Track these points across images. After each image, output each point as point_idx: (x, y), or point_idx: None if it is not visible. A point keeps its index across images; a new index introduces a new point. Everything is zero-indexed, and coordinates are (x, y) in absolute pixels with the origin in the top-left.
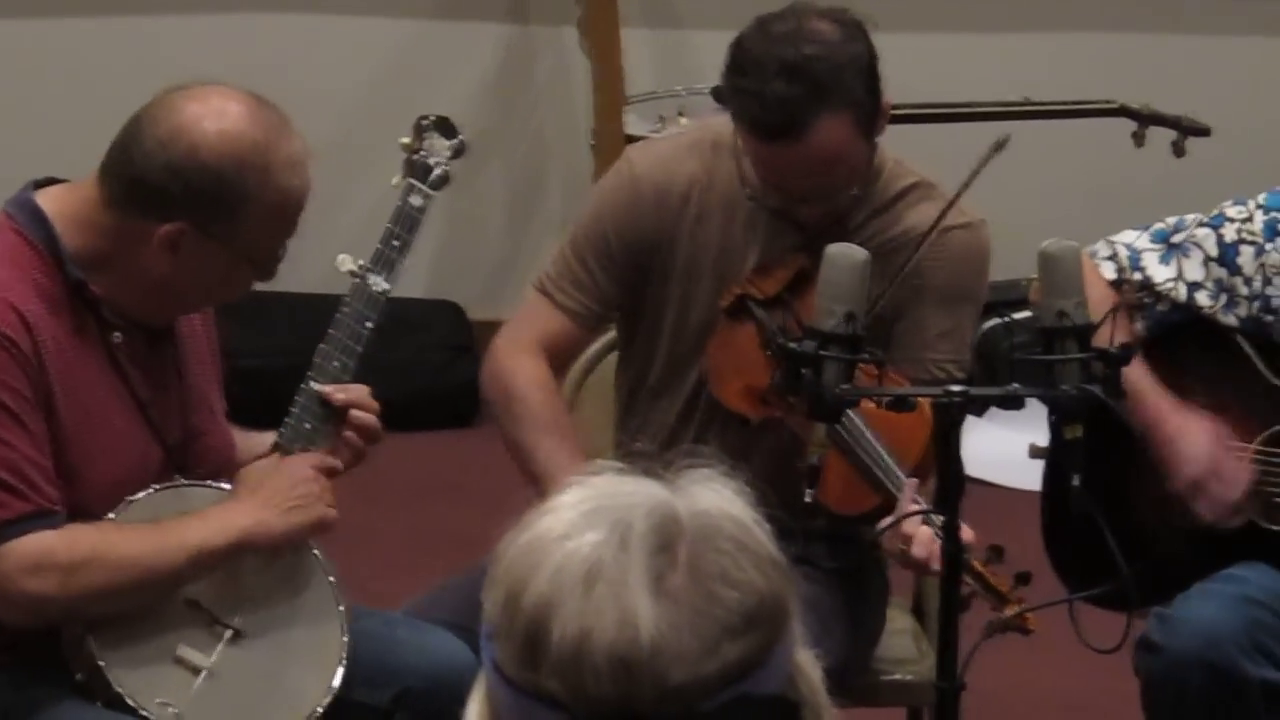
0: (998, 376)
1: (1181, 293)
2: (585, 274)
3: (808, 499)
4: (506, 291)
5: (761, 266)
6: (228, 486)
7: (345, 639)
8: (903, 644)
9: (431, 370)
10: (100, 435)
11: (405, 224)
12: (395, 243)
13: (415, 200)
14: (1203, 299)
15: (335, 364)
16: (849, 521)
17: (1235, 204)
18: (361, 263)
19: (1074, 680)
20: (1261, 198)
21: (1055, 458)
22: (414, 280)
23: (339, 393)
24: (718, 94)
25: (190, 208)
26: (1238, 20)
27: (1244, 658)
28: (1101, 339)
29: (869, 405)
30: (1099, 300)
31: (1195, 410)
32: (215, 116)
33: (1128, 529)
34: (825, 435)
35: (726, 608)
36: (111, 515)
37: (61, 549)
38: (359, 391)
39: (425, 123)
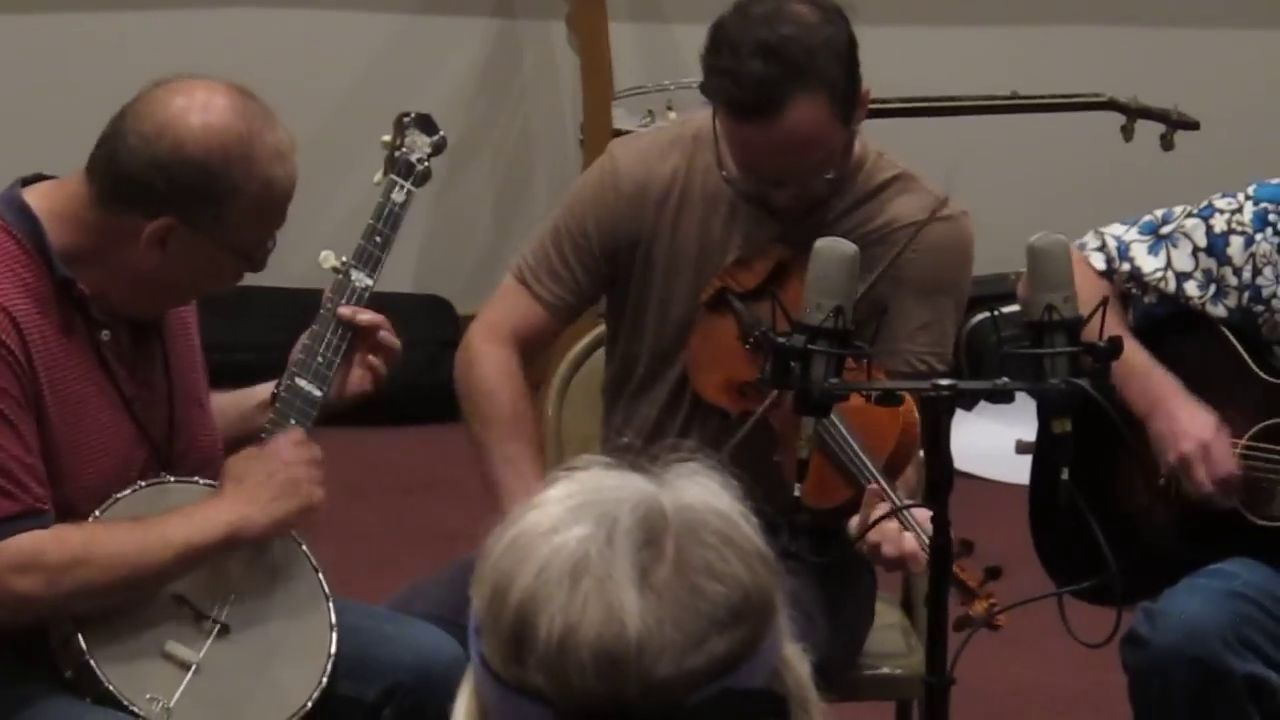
0: (986, 370)
1: (1170, 283)
2: (563, 266)
3: (796, 493)
4: (493, 286)
5: (741, 259)
6: (216, 484)
7: (333, 634)
8: (891, 638)
9: (418, 365)
10: (88, 433)
11: (387, 220)
12: (377, 239)
13: (397, 197)
14: (1191, 289)
15: (318, 360)
16: (822, 514)
17: (1224, 196)
18: (344, 259)
19: (1062, 674)
20: (1251, 189)
21: (1043, 452)
22: (401, 274)
23: (361, 314)
24: (705, 89)
25: (177, 202)
26: (1226, 14)
27: (1230, 652)
28: (1093, 330)
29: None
30: (1091, 291)
31: (1193, 400)
32: (200, 110)
33: (1115, 523)
34: (813, 430)
35: (712, 602)
36: (98, 513)
37: (50, 548)
38: (377, 316)
39: (406, 120)
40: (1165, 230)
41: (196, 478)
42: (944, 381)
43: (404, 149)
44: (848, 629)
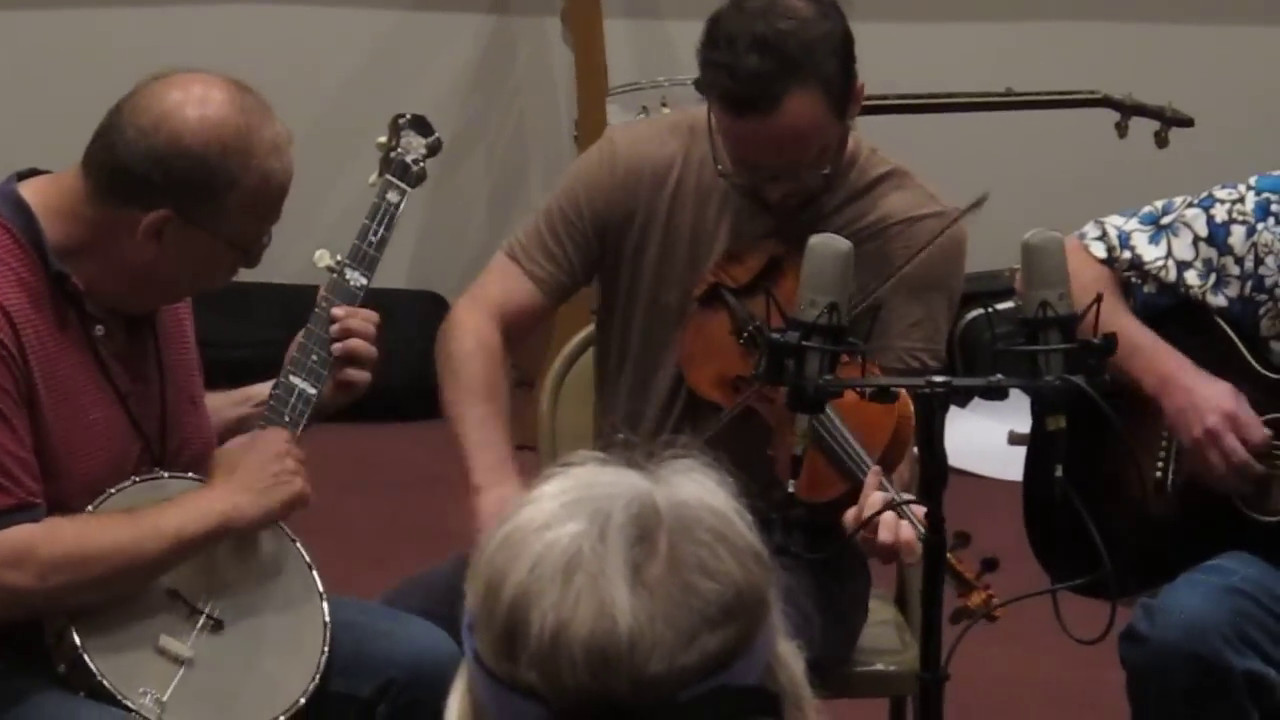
0: (980, 367)
1: (1171, 272)
2: (556, 245)
3: (790, 489)
4: None
5: (733, 254)
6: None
7: (327, 630)
8: (885, 635)
9: (413, 361)
10: (82, 428)
11: (382, 221)
12: (372, 239)
13: (392, 197)
14: (1192, 278)
15: (313, 358)
16: (816, 509)
17: (1224, 187)
18: (339, 258)
19: (1058, 671)
20: (1252, 180)
21: (1037, 448)
22: (395, 270)
23: (352, 317)
24: (700, 85)
25: (174, 195)
26: (1220, 10)
27: (1228, 648)
28: (1088, 323)
29: None
30: (1092, 281)
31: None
32: (197, 103)
33: (1110, 518)
34: (808, 426)
35: (704, 599)
36: (91, 507)
37: (42, 542)
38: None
39: (402, 121)
40: (1166, 220)
41: (190, 473)
42: (938, 378)
43: (399, 150)
44: (842, 625)
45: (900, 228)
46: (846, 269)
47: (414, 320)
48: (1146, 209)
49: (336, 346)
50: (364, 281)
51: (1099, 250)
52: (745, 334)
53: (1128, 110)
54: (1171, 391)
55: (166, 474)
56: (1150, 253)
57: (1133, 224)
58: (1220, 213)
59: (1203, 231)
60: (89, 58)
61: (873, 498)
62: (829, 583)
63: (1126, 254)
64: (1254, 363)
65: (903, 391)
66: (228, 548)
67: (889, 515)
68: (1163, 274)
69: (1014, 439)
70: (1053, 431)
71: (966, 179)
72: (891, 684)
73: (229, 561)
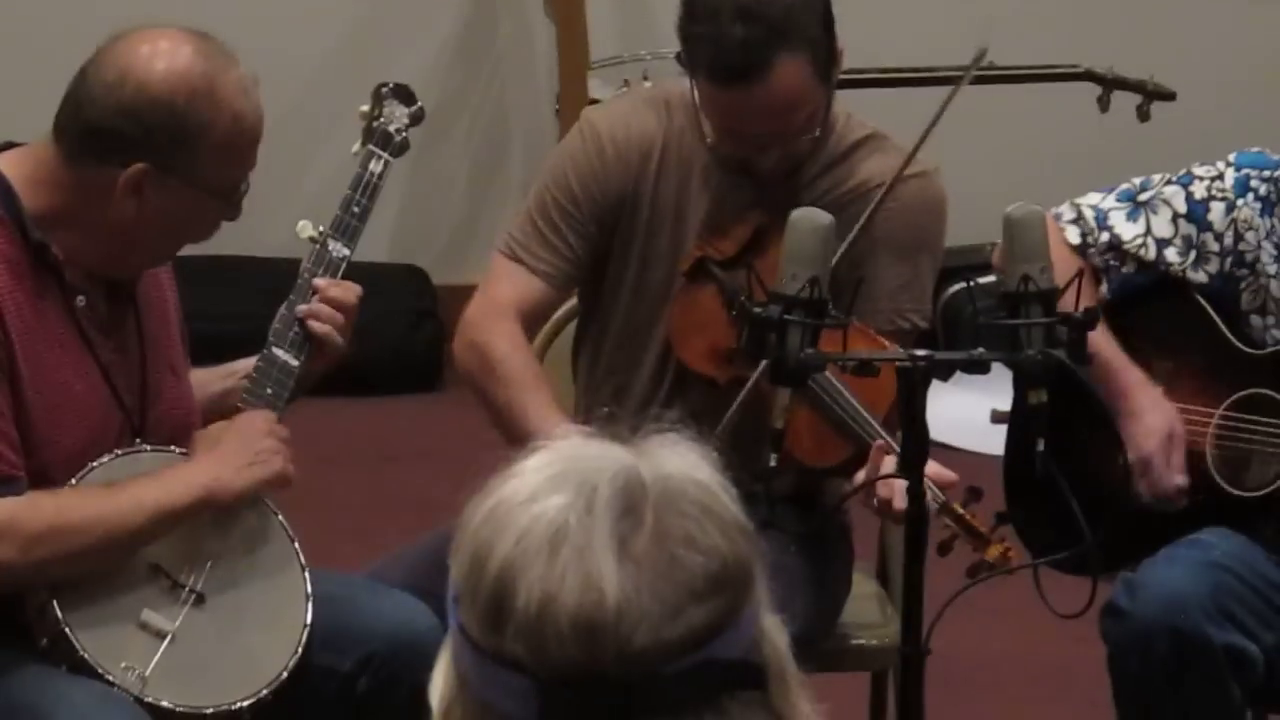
0: (962, 341)
1: (1150, 250)
2: (554, 234)
3: (773, 463)
4: (470, 255)
5: (718, 226)
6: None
7: (309, 603)
8: (868, 609)
9: (395, 334)
10: (63, 400)
11: (365, 191)
12: (355, 209)
13: (375, 167)
14: (1171, 255)
15: (294, 330)
16: (822, 473)
17: (1203, 164)
18: (321, 229)
19: (1038, 645)
20: (1231, 156)
21: (1018, 422)
22: (377, 244)
23: (335, 287)
24: (682, 59)
25: (147, 146)
26: None
27: (1209, 623)
28: (1066, 303)
29: None
30: (1062, 269)
31: (1159, 393)
32: (163, 55)
33: (1090, 493)
34: (790, 400)
35: (690, 572)
36: (73, 481)
37: (23, 515)
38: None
39: (384, 90)
40: (1144, 197)
41: (173, 446)
42: (920, 352)
43: (382, 119)
44: (825, 600)
45: (881, 190)
46: (827, 243)
47: (395, 293)
48: (1124, 186)
49: (301, 308)
50: (346, 252)
51: (1073, 236)
52: (735, 306)
53: (1110, 84)
54: (1120, 411)
55: (149, 447)
56: (1129, 231)
57: (1110, 201)
58: (1199, 189)
59: (1182, 209)
60: (66, 30)
61: (887, 460)
62: (812, 556)
63: (1104, 234)
64: (1232, 339)
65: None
66: (210, 521)
67: (900, 481)
68: (1142, 252)
69: (996, 417)
70: (1034, 405)
71: (948, 153)
72: (873, 658)
73: (211, 535)
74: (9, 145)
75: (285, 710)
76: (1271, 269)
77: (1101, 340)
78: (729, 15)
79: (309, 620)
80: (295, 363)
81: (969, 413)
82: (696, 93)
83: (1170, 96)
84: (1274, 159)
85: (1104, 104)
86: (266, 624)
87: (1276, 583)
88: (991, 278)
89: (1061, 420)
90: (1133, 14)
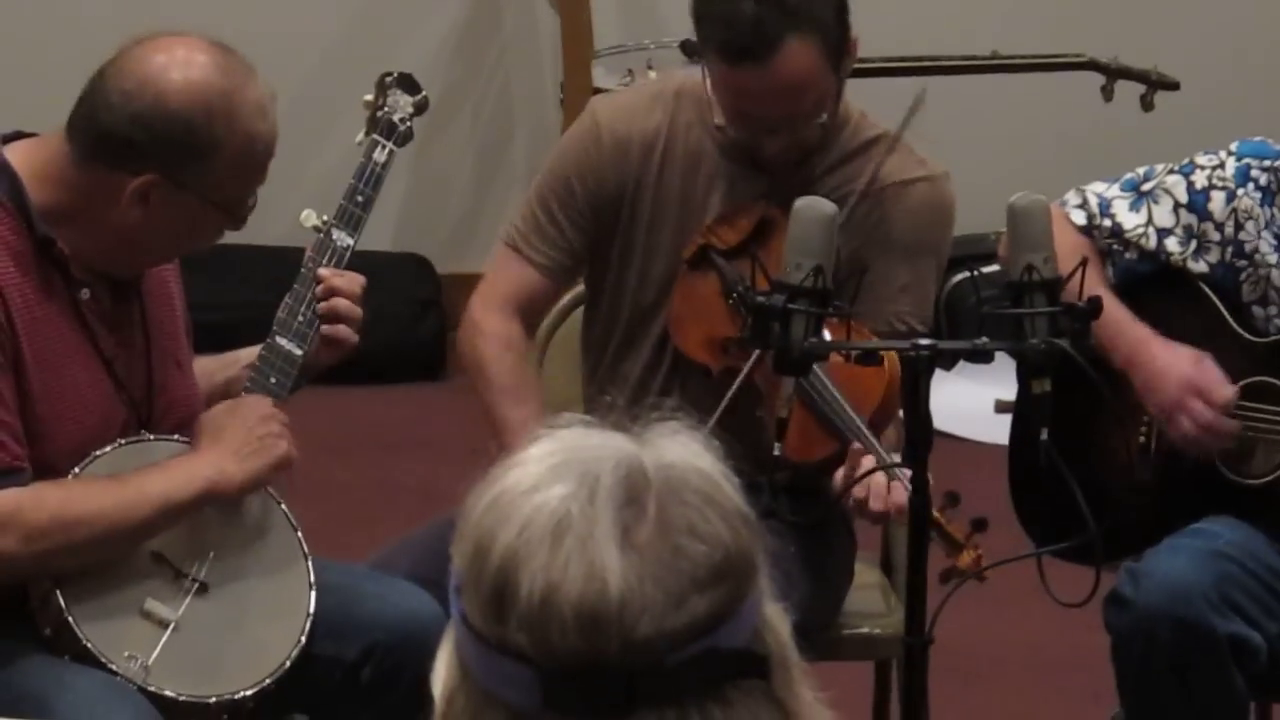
0: (966, 330)
1: (1151, 239)
2: (552, 227)
3: (776, 452)
4: (474, 244)
5: (723, 215)
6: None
7: (312, 592)
8: (870, 598)
9: (398, 323)
10: (67, 392)
11: (369, 180)
12: (359, 199)
13: (379, 156)
14: (1172, 245)
15: (299, 319)
16: (806, 469)
17: (1205, 154)
18: (326, 218)
19: (1042, 635)
20: (1233, 145)
21: (1023, 412)
22: (381, 233)
23: (337, 277)
24: (686, 47)
25: (160, 158)
26: None
27: (1213, 612)
28: (1072, 289)
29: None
30: (1070, 248)
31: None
32: (181, 66)
33: (1094, 483)
34: (793, 389)
35: (693, 561)
36: (76, 470)
37: (27, 507)
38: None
39: (389, 79)
40: (1146, 187)
41: (176, 435)
42: (924, 341)
43: (386, 109)
44: (828, 589)
45: (891, 190)
46: (832, 232)
47: (398, 283)
48: (1128, 175)
49: (321, 305)
50: (350, 242)
51: (1079, 218)
52: (734, 296)
53: (1113, 73)
54: (1138, 364)
55: (152, 436)
56: (1130, 220)
57: (1113, 191)
58: (1200, 179)
59: (1183, 198)
60: (72, 20)
61: (865, 460)
62: (815, 546)
63: (1107, 222)
64: (1237, 327)
65: (892, 353)
66: (213, 511)
67: (879, 481)
68: (1143, 241)
69: (1000, 407)
70: (1038, 395)
71: (953, 143)
72: (876, 647)
73: (214, 525)
74: (20, 135)
75: (288, 699)
76: (1272, 259)
77: (1109, 305)
78: None
79: (312, 610)
80: (299, 352)
81: (970, 402)
82: (707, 76)
83: (1174, 86)
84: (1275, 148)
85: (1108, 94)
86: (270, 613)
87: None
88: (995, 267)
89: (1066, 409)
90: (1136, 4)
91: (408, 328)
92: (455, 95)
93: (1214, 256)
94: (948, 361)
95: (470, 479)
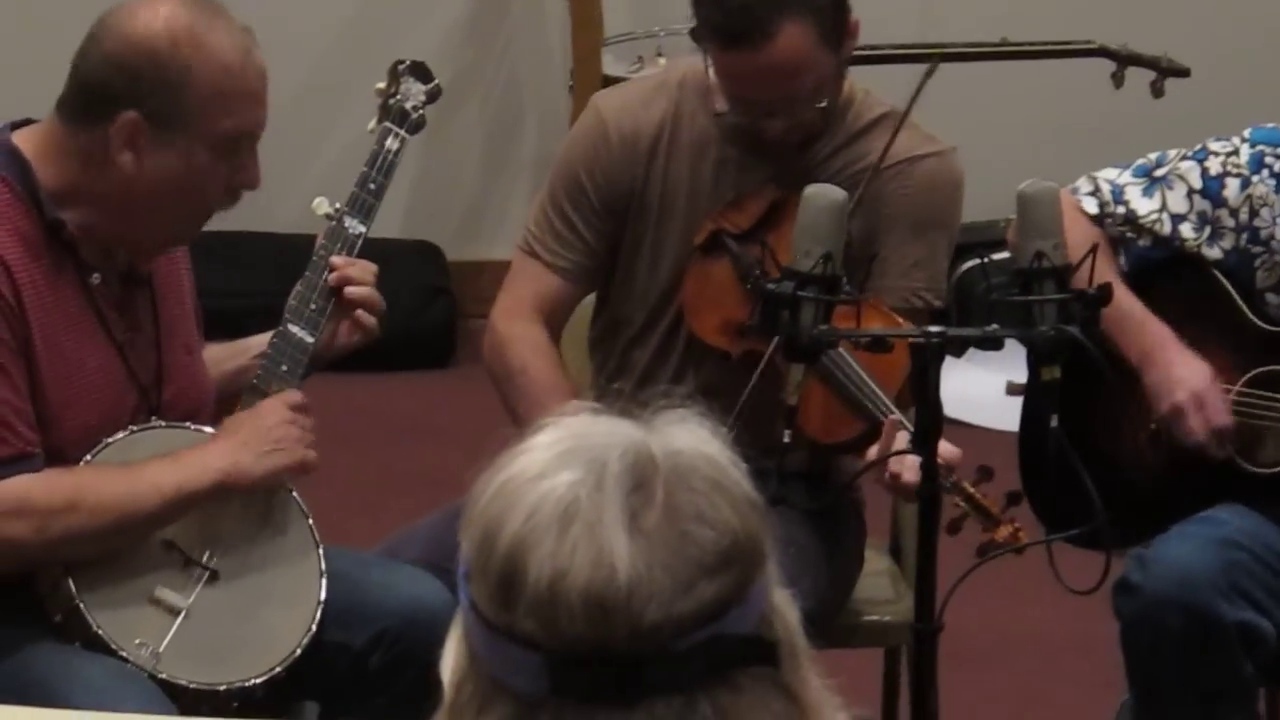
0: (975, 317)
1: (1165, 225)
2: (568, 229)
3: (786, 439)
4: (483, 232)
5: (733, 200)
6: (208, 430)
7: (323, 580)
8: (880, 585)
9: (408, 311)
10: (78, 378)
11: (381, 168)
12: (371, 186)
13: (391, 144)
14: (1186, 231)
15: (311, 307)
16: (833, 450)
17: (1218, 140)
18: (338, 205)
19: (1051, 621)
20: (1247, 132)
21: (1032, 398)
22: (390, 220)
23: (350, 267)
24: (695, 34)
25: (134, 95)
26: None
27: (1221, 600)
28: (1082, 278)
29: None
30: (1081, 237)
31: (1187, 350)
32: (148, 10)
33: (1105, 469)
34: (803, 376)
35: (701, 547)
36: (88, 457)
37: (39, 493)
38: (369, 265)
39: (401, 67)
40: (1159, 173)
41: (188, 423)
42: (933, 329)
43: (399, 96)
44: (837, 575)
45: (899, 168)
46: (841, 219)
47: (408, 270)
48: (1140, 161)
49: (348, 291)
50: (362, 229)
51: (1091, 206)
52: (750, 280)
53: (1124, 60)
54: (1151, 366)
55: (163, 423)
56: (1144, 206)
57: (1126, 177)
58: (1214, 165)
59: (1197, 184)
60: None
61: (899, 436)
62: (824, 532)
63: (1120, 208)
64: (1250, 315)
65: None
66: (225, 499)
67: (911, 457)
68: (1157, 227)
69: (1012, 389)
70: (1047, 382)
71: (962, 129)
72: (886, 634)
73: (226, 512)
74: (28, 122)
75: (298, 687)
76: None
77: (1126, 298)
78: None
79: (323, 597)
80: (310, 339)
81: (981, 389)
82: (708, 59)
83: (1184, 73)
84: None
85: (1118, 80)
86: (280, 601)
87: None
88: (1005, 254)
89: (1076, 396)
90: None
91: (417, 315)
92: (465, 83)
93: (1228, 243)
94: (957, 348)
95: (479, 466)
